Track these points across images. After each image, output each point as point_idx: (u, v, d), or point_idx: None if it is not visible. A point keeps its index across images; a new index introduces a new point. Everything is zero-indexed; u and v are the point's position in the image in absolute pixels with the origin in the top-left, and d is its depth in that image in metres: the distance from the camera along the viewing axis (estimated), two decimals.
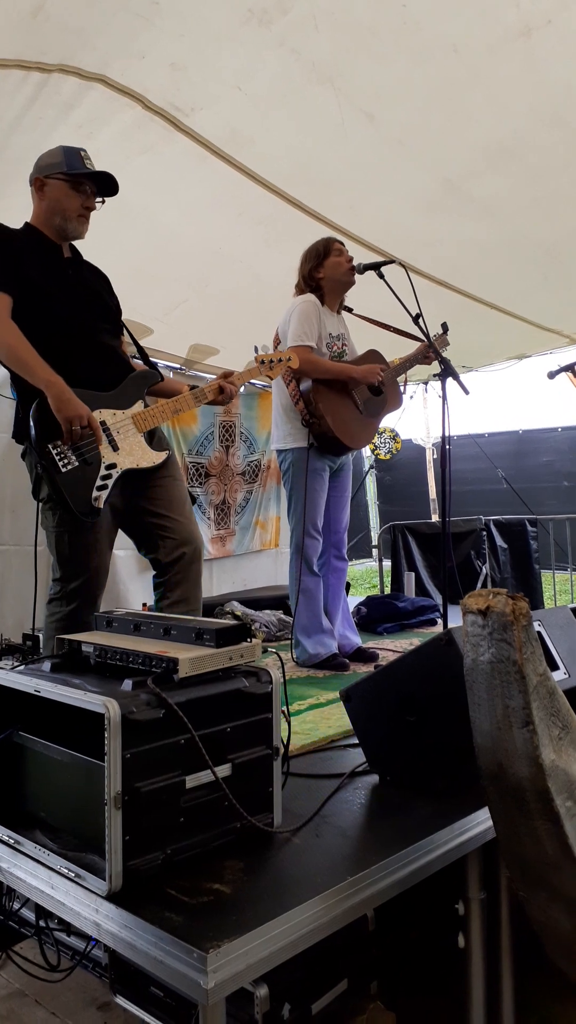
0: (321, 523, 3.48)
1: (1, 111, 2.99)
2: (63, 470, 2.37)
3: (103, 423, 2.48)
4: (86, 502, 2.40)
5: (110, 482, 2.45)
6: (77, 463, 2.39)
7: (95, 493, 2.41)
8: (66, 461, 2.37)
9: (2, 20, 2.65)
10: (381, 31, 2.87)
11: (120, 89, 3.06)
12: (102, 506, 2.42)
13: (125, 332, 2.79)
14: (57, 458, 2.37)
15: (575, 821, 1.30)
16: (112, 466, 2.46)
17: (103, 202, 2.65)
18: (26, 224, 2.65)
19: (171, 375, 4.57)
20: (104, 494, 2.43)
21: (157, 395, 2.77)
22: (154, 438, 2.66)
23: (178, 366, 5.11)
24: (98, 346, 2.59)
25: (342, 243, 3.51)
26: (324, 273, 3.45)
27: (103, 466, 2.44)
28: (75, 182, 2.56)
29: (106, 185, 2.62)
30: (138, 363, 2.81)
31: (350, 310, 3.62)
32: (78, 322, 2.55)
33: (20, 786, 1.62)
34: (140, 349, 2.82)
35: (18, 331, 2.40)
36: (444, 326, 3.62)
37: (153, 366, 2.75)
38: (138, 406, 2.60)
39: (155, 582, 2.67)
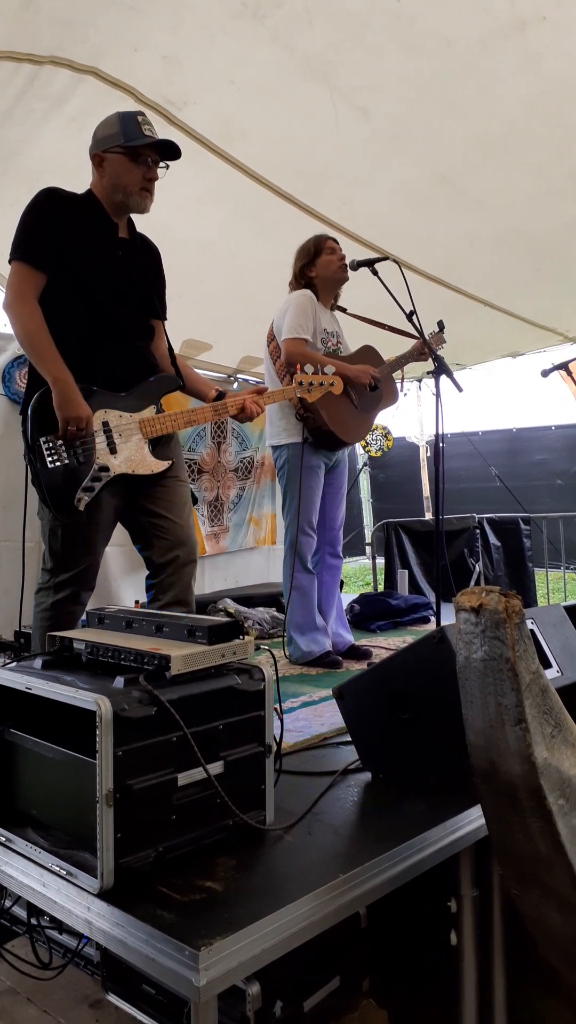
0: (316, 520, 3.47)
1: None
2: (49, 466, 2.32)
3: (105, 423, 2.41)
4: (66, 501, 2.34)
5: (98, 484, 2.38)
6: (67, 460, 2.34)
7: (79, 494, 2.35)
8: (55, 457, 2.33)
9: None
10: (374, 25, 2.86)
11: (112, 82, 3.05)
12: (83, 508, 2.35)
13: (163, 328, 2.67)
14: (46, 453, 2.32)
15: (567, 819, 1.30)
16: (105, 468, 2.39)
17: (167, 167, 2.47)
18: (88, 192, 2.50)
19: None
20: (89, 496, 2.36)
21: (188, 394, 2.70)
22: (170, 443, 2.57)
23: None
24: (124, 343, 2.50)
25: (335, 240, 3.50)
26: (316, 272, 3.44)
27: (95, 467, 2.38)
28: (134, 153, 2.40)
29: (169, 149, 2.44)
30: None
31: (344, 310, 3.62)
32: (110, 315, 2.45)
33: (11, 784, 1.61)
34: (171, 349, 2.71)
35: (39, 316, 2.33)
36: (440, 324, 3.62)
37: (178, 371, 2.65)
38: (148, 411, 2.50)
39: (148, 583, 2.62)
